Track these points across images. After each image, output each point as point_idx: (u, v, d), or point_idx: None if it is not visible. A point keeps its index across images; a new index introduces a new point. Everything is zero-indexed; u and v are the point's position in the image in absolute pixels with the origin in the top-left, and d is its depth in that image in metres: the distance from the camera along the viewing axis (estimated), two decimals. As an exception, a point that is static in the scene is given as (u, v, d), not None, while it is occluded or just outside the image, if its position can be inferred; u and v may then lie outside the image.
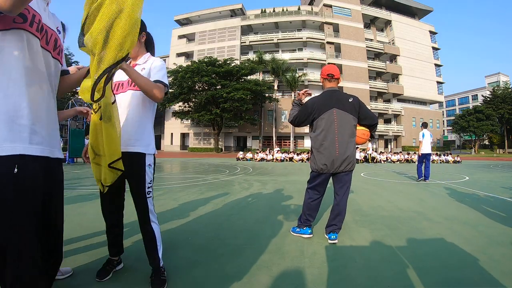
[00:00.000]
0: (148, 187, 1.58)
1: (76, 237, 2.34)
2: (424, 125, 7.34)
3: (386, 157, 18.05)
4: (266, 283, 1.66)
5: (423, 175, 7.10)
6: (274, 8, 37.00)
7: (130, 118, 1.55)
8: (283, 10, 36.61)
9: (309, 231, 2.51)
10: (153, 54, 1.75)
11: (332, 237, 2.35)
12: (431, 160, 7.29)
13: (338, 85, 2.58)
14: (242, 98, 25.64)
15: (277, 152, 18.40)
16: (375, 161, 16.78)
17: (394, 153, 19.56)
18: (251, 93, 26.57)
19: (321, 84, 2.67)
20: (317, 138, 2.40)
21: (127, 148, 1.50)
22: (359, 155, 16.81)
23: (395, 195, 4.86)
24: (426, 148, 7.04)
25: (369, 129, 2.48)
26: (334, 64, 33.03)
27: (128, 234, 2.39)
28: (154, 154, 1.64)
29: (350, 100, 2.41)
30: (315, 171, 2.44)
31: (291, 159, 17.56)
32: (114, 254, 1.75)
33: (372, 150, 17.22)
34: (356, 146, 2.51)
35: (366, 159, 16.74)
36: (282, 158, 17.67)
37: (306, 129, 26.05)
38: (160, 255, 1.62)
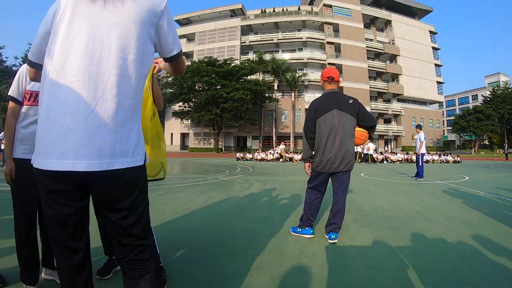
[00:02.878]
0: None
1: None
2: (420, 127, 7.87)
3: (386, 157, 18.04)
4: (266, 283, 1.66)
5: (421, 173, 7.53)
6: (274, 8, 36.97)
7: None
8: (283, 10, 36.58)
9: (311, 231, 2.53)
10: None
11: (332, 236, 2.36)
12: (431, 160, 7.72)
13: (339, 85, 2.59)
14: (242, 98, 25.61)
15: (281, 150, 17.88)
16: (374, 161, 16.75)
17: (392, 153, 19.57)
18: (251, 93, 26.53)
19: (320, 84, 2.69)
20: (318, 138, 2.44)
21: None
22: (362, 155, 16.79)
23: (395, 195, 4.86)
24: (424, 148, 7.57)
25: (368, 130, 2.53)
26: (334, 64, 33.10)
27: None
28: None
29: (350, 102, 2.46)
30: (316, 170, 2.47)
31: (291, 159, 17.55)
32: (112, 253, 1.75)
33: (374, 151, 17.19)
34: (355, 146, 2.53)
35: (365, 159, 16.71)
36: (277, 157, 17.67)
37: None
38: (158, 252, 1.62)
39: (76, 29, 0.87)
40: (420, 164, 7.45)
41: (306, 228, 2.53)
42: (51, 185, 0.86)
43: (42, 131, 0.85)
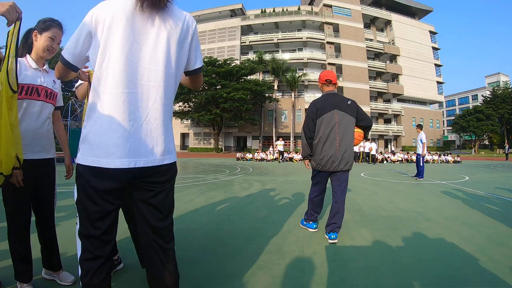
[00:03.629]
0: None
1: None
2: (420, 127, 7.80)
3: (386, 157, 18.05)
4: (266, 283, 1.66)
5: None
6: (274, 8, 36.95)
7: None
8: (283, 10, 36.56)
9: (314, 226, 2.69)
10: None
11: (332, 236, 2.37)
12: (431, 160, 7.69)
13: (339, 84, 2.69)
14: (242, 98, 25.57)
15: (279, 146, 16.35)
16: (374, 161, 16.75)
17: (392, 152, 19.57)
18: (251, 93, 26.48)
19: (319, 86, 2.79)
20: (319, 137, 2.51)
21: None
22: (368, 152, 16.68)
23: (395, 195, 4.86)
24: (425, 149, 7.55)
25: (364, 130, 2.66)
26: (334, 64, 33.02)
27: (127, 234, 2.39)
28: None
29: (349, 103, 2.55)
30: (316, 169, 2.56)
31: (291, 159, 17.54)
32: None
33: (376, 151, 17.17)
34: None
35: (367, 159, 16.66)
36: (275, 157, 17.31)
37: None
38: None
39: (130, 45, 0.98)
40: (421, 164, 7.43)
41: (310, 223, 2.70)
42: (102, 183, 0.96)
43: (104, 134, 0.96)
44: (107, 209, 0.99)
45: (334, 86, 2.66)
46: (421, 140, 7.48)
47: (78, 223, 1.03)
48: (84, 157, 0.97)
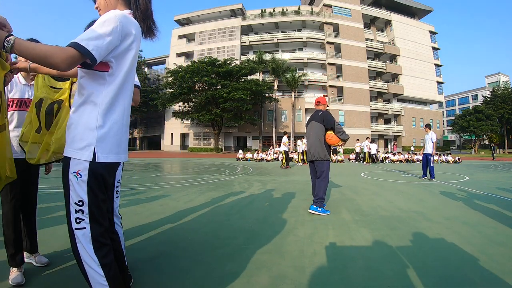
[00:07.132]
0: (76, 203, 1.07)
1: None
2: (429, 127, 7.71)
3: (385, 157, 18.03)
4: (266, 283, 1.66)
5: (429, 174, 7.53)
6: (274, 8, 36.92)
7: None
8: (283, 10, 36.54)
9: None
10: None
11: (312, 208, 3.38)
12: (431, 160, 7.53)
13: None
14: (242, 98, 25.55)
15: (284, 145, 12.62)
16: (374, 161, 16.72)
17: (393, 153, 19.56)
18: (251, 93, 26.46)
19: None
20: (306, 138, 3.86)
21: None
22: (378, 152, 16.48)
23: (395, 195, 4.86)
24: (434, 149, 7.48)
25: (333, 131, 3.57)
26: (334, 64, 33.06)
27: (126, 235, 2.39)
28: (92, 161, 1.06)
29: (319, 114, 3.71)
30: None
31: (291, 159, 17.49)
32: None
33: (377, 151, 17.16)
34: (336, 146, 3.70)
35: (372, 160, 16.58)
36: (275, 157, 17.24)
37: (304, 130, 25.62)
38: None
39: (133, 65, 1.16)
40: (431, 164, 7.39)
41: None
42: (113, 176, 1.20)
43: (120, 137, 1.12)
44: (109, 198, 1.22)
45: (323, 106, 3.82)
46: (431, 139, 7.41)
47: (87, 227, 1.03)
48: (106, 155, 1.06)
